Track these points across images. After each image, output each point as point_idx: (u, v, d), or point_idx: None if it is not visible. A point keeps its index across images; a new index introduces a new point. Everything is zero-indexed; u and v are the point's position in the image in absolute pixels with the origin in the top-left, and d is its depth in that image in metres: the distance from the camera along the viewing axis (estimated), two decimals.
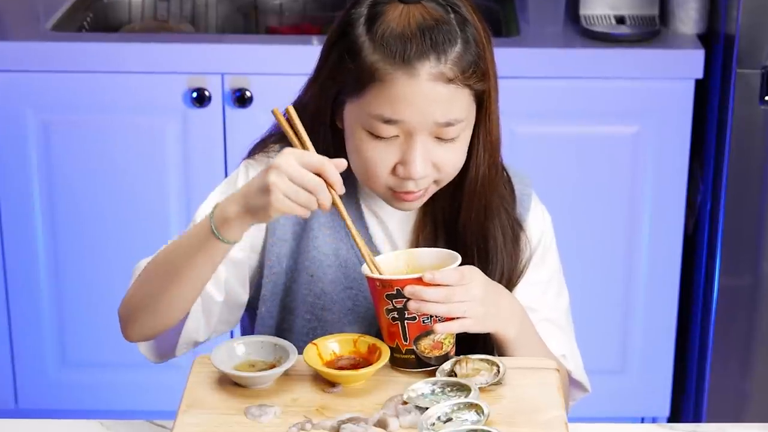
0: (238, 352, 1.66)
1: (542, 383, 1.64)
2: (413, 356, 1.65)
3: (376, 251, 1.78)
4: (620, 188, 3.00)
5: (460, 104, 1.67)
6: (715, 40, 2.94)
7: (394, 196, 1.72)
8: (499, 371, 1.63)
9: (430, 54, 1.63)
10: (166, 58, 2.93)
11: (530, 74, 2.92)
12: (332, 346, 1.67)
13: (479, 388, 1.59)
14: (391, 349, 1.66)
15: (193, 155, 2.98)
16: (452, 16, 1.66)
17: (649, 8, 3.06)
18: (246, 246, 1.78)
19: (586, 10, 3.06)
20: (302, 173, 1.55)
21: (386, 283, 1.63)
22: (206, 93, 2.92)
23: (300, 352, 1.66)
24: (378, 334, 1.70)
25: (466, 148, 1.72)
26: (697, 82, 2.94)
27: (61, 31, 3.07)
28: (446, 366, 1.65)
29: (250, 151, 1.84)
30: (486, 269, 1.74)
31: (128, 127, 2.97)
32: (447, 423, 1.53)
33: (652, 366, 3.12)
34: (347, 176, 1.75)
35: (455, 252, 1.68)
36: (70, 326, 3.11)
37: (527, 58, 2.93)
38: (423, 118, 1.65)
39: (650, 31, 3.00)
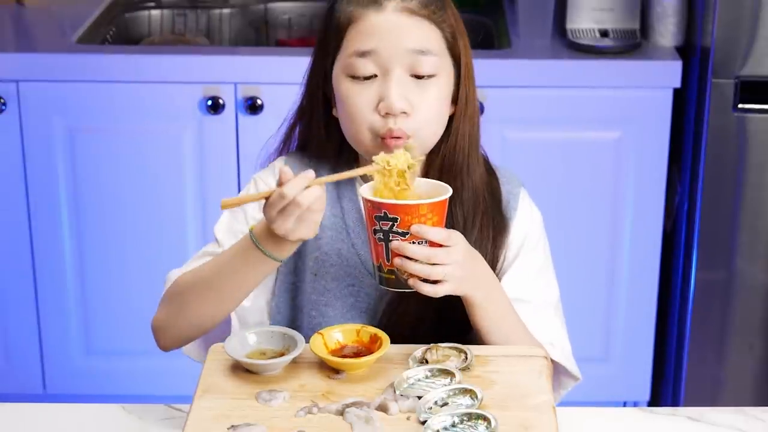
0: (250, 341, 1.66)
1: (531, 370, 1.63)
2: (393, 276, 1.62)
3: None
4: (604, 190, 3.00)
5: (428, 37, 1.70)
6: (691, 52, 2.94)
7: (380, 144, 1.69)
8: (467, 358, 1.62)
9: None
10: (183, 68, 2.93)
11: (521, 84, 2.92)
12: (337, 335, 1.67)
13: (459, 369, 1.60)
14: (377, 267, 1.63)
15: (208, 158, 2.98)
16: None
17: (631, 22, 3.06)
18: None
19: (572, 24, 3.06)
20: (286, 215, 1.55)
21: (376, 205, 1.59)
22: (220, 101, 2.92)
23: (307, 342, 1.66)
24: (384, 328, 1.69)
25: (440, 106, 1.72)
26: (675, 91, 2.94)
27: (85, 44, 3.07)
28: (417, 353, 1.64)
29: (261, 165, 1.85)
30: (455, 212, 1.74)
31: (148, 132, 2.97)
32: (443, 407, 1.53)
33: (633, 354, 3.12)
34: (352, 185, 1.75)
35: (447, 185, 1.64)
36: (94, 317, 3.11)
37: (518, 69, 2.93)
38: (393, 45, 1.68)
39: (632, 43, 3.00)
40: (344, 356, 1.64)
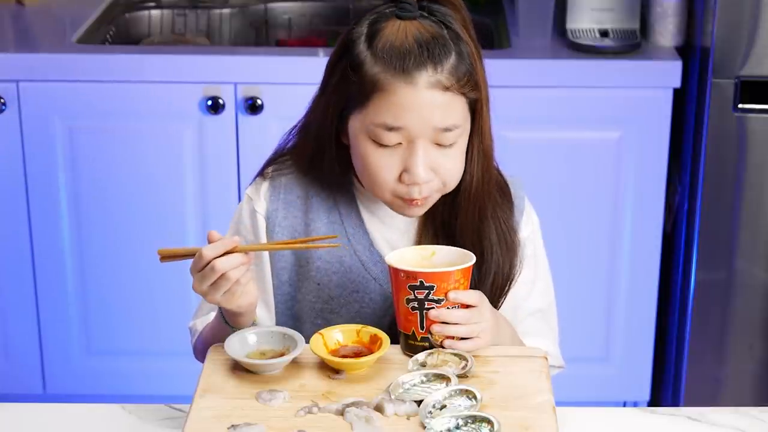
0: (250, 341, 1.67)
1: (531, 370, 1.64)
2: (427, 343, 1.65)
3: (378, 255, 1.78)
4: (604, 189, 3.00)
5: (456, 111, 1.66)
6: (691, 52, 2.94)
7: (401, 203, 1.71)
8: (467, 365, 1.63)
9: (427, 64, 1.64)
10: (183, 68, 2.93)
11: (520, 84, 2.92)
12: (337, 336, 1.67)
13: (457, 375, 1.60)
14: (406, 336, 1.66)
15: (208, 159, 2.98)
16: (446, 32, 1.67)
17: (631, 22, 3.06)
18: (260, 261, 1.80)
19: (572, 24, 3.06)
20: (203, 277, 1.59)
21: (411, 275, 1.63)
22: (220, 101, 2.92)
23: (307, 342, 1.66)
24: (390, 329, 1.70)
25: (463, 156, 1.71)
26: (675, 91, 2.94)
27: (86, 44, 3.07)
28: (420, 356, 1.65)
29: (257, 173, 1.84)
30: (480, 269, 1.75)
31: (148, 132, 2.97)
32: (443, 410, 1.53)
33: (633, 354, 3.12)
34: (347, 190, 1.75)
35: (469, 252, 1.67)
36: (94, 317, 3.11)
37: (518, 69, 2.93)
38: (423, 124, 1.65)
39: (631, 43, 3.00)
40: (344, 356, 1.64)
